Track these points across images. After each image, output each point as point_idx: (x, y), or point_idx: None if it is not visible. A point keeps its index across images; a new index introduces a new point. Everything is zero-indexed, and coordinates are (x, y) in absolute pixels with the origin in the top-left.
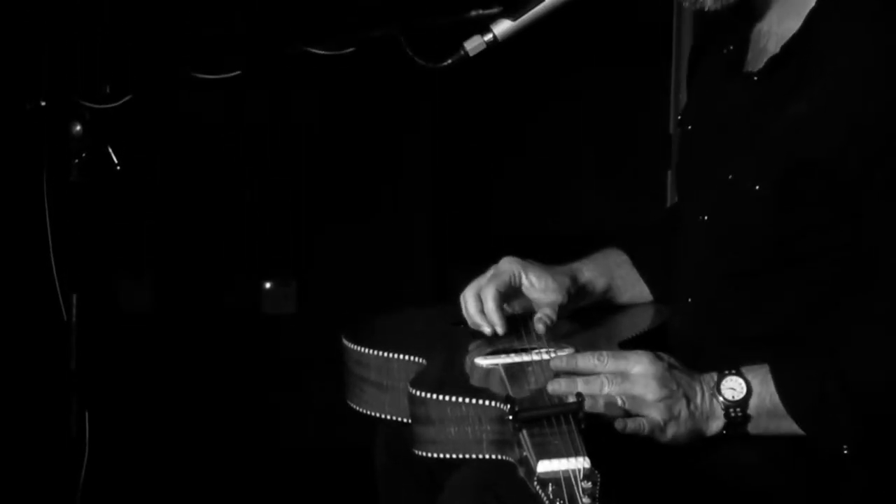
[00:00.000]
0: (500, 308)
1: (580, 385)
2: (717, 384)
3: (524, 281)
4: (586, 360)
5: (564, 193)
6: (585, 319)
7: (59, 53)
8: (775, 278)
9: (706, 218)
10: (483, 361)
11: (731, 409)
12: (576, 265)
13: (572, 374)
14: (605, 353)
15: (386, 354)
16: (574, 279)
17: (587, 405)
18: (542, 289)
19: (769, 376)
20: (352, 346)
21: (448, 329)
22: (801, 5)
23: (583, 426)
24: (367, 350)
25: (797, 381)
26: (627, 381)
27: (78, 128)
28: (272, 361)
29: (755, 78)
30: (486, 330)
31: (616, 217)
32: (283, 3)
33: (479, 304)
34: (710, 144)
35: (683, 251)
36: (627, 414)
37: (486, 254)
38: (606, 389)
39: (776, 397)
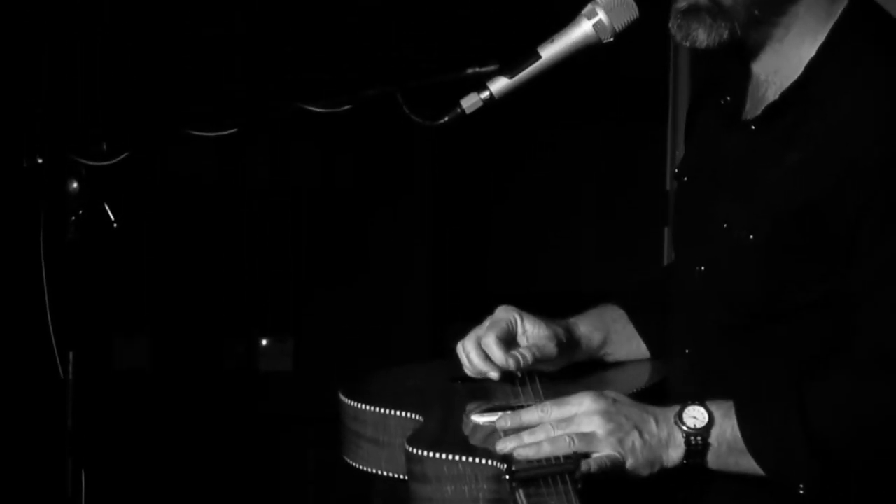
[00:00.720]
0: (505, 354)
1: (525, 437)
2: (680, 413)
3: (519, 328)
4: (530, 414)
5: (561, 250)
6: (583, 376)
7: (56, 111)
8: (770, 330)
9: (702, 269)
10: (480, 419)
11: (692, 437)
12: (572, 319)
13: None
14: (547, 402)
15: (383, 411)
16: (569, 332)
17: (532, 453)
18: (535, 337)
19: (732, 410)
20: (349, 401)
21: (445, 385)
22: (797, 55)
23: (580, 486)
24: (364, 406)
25: (758, 418)
26: (573, 422)
27: (75, 185)
28: (269, 419)
29: (752, 127)
30: (494, 376)
31: (613, 274)
32: (280, 61)
33: (480, 352)
34: (706, 195)
35: (679, 303)
36: (585, 456)
37: (483, 311)
38: (553, 434)
39: (737, 430)
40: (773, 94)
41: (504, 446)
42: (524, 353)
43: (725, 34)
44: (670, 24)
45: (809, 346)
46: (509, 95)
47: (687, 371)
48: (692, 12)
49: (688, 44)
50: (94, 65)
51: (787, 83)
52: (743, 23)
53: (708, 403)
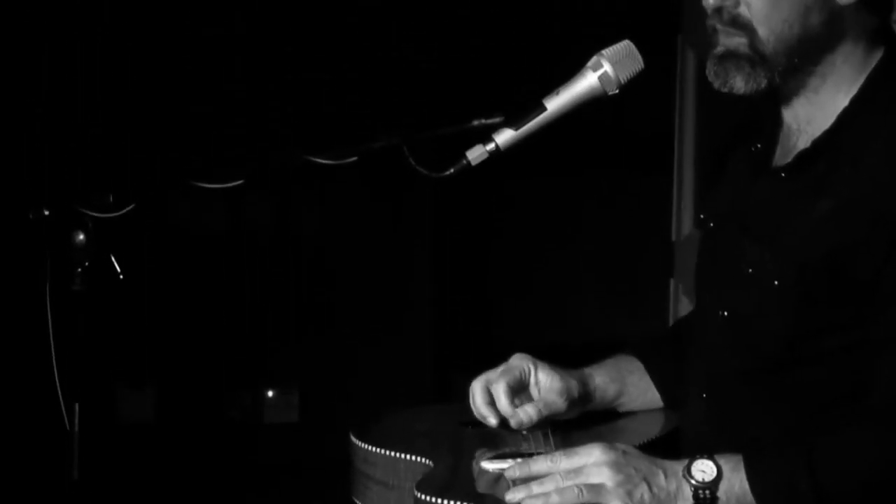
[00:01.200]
0: (511, 403)
1: (535, 488)
2: (688, 466)
3: (532, 378)
4: (540, 464)
5: (566, 301)
6: (594, 425)
7: (62, 164)
8: (791, 375)
9: (725, 314)
10: (489, 465)
11: (700, 491)
12: (587, 370)
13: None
14: (557, 453)
15: (393, 454)
16: (584, 384)
17: (540, 503)
18: (546, 389)
19: (741, 464)
20: (360, 443)
21: (455, 429)
22: (832, 105)
23: None
24: (374, 448)
25: (768, 472)
26: (582, 473)
27: (81, 237)
28: (275, 470)
29: (782, 174)
30: (492, 422)
31: (617, 324)
32: (285, 112)
33: (487, 395)
34: (733, 241)
35: (699, 348)
36: None
37: (485, 361)
38: (562, 485)
39: (746, 484)
40: (804, 142)
41: (514, 496)
42: (530, 412)
43: (764, 82)
44: (707, 70)
45: (830, 391)
46: (514, 147)
47: (703, 415)
48: (731, 58)
49: (725, 90)
50: (97, 116)
51: (818, 132)
52: (782, 72)
53: (717, 457)
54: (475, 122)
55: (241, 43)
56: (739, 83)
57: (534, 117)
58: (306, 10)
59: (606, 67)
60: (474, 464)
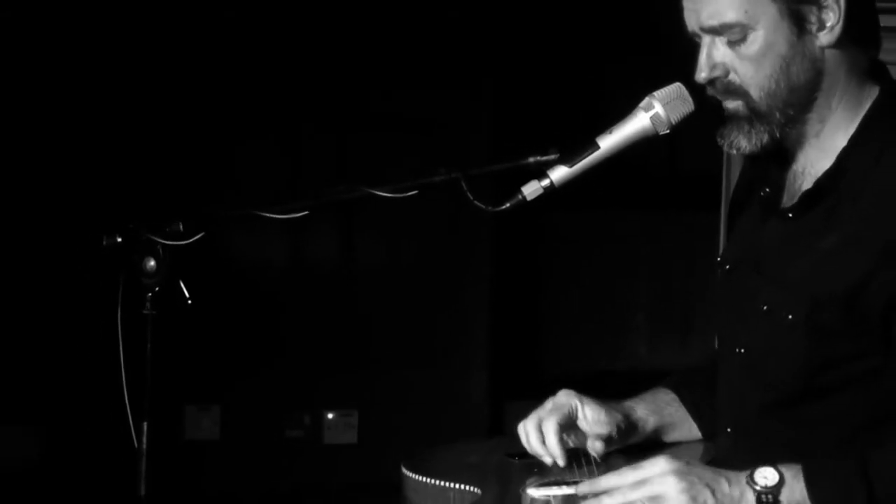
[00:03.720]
0: (561, 440)
1: (605, 501)
2: (751, 474)
3: (580, 413)
4: (608, 480)
5: (617, 333)
6: (637, 457)
7: (135, 193)
8: (809, 409)
9: (742, 351)
10: (536, 493)
11: (763, 496)
12: (628, 403)
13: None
14: (624, 468)
15: (443, 483)
16: (627, 416)
17: None
18: (594, 422)
19: (801, 473)
20: (410, 474)
21: (502, 460)
22: (834, 146)
23: None
24: (424, 479)
25: (826, 482)
26: (647, 484)
27: (152, 263)
28: (333, 489)
29: (790, 214)
30: (548, 461)
31: (668, 356)
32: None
33: (539, 435)
34: (746, 280)
35: (722, 384)
36: None
37: (538, 391)
38: (630, 497)
39: (805, 491)
40: (808, 183)
41: None
42: (598, 448)
43: (766, 138)
44: (717, 135)
45: (848, 422)
46: (568, 184)
47: (731, 449)
48: (732, 121)
49: (733, 151)
50: (170, 148)
51: (821, 172)
52: (780, 124)
53: (778, 465)
54: (531, 160)
55: (308, 81)
56: (743, 143)
57: (587, 155)
58: (374, 49)
59: (658, 108)
60: (521, 491)
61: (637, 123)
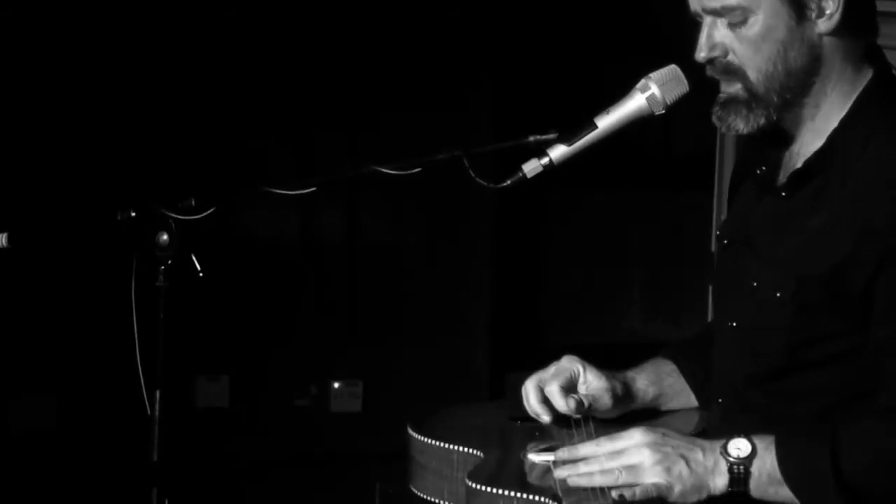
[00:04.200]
0: (565, 399)
1: (582, 468)
2: (725, 444)
3: (581, 378)
4: (586, 447)
5: (613, 307)
6: (633, 422)
7: (149, 169)
8: (795, 381)
9: (734, 324)
10: (536, 458)
11: (735, 466)
12: (629, 373)
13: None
14: (602, 437)
15: (447, 446)
16: (626, 386)
17: (584, 482)
18: (594, 388)
19: (773, 445)
20: (417, 436)
21: (505, 424)
22: (827, 128)
23: None
24: (430, 441)
25: (795, 454)
26: (623, 454)
27: (165, 237)
28: (339, 455)
29: (783, 193)
30: (546, 419)
31: (661, 329)
32: (355, 131)
33: (540, 394)
34: (740, 257)
35: (716, 356)
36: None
37: (536, 361)
38: (605, 466)
39: (776, 463)
40: (800, 163)
41: (560, 474)
42: (582, 399)
43: (762, 120)
44: (713, 116)
45: (833, 395)
46: (567, 162)
47: (719, 417)
48: (730, 103)
49: (729, 132)
50: (182, 125)
51: (812, 153)
52: (776, 107)
53: (752, 436)
54: (531, 138)
55: (315, 64)
56: (740, 124)
57: (585, 134)
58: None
59: (654, 89)
60: (522, 456)
61: (634, 104)
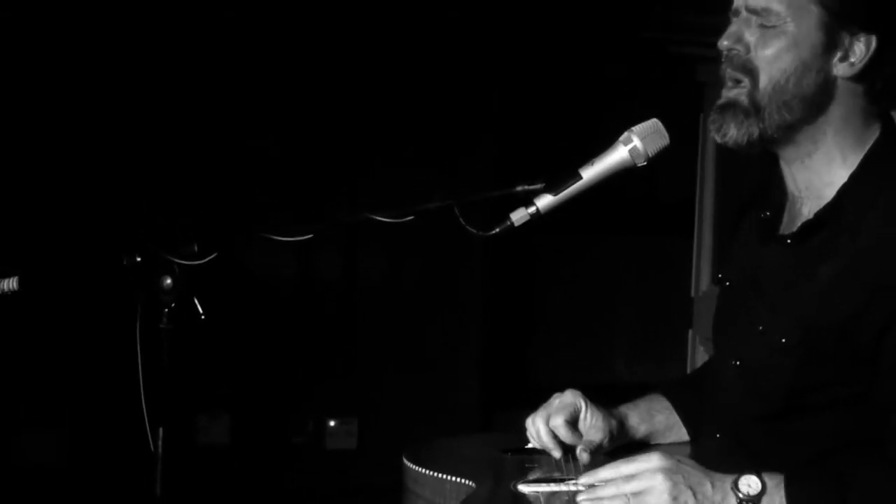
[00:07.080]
0: (572, 434)
1: (598, 492)
2: (736, 480)
3: (582, 414)
4: (606, 471)
5: (598, 349)
6: (621, 456)
7: (153, 217)
8: (796, 422)
9: (737, 363)
10: (526, 489)
11: (745, 502)
12: (623, 410)
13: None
14: (620, 461)
15: (440, 476)
16: (621, 423)
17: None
18: (590, 426)
19: (783, 483)
20: (411, 465)
21: (496, 456)
22: (827, 175)
23: None
24: (424, 470)
25: (805, 494)
26: (637, 479)
27: (168, 281)
28: (335, 492)
29: (788, 241)
30: (556, 454)
31: (644, 370)
32: (352, 179)
33: (549, 430)
34: (746, 300)
35: (716, 391)
36: None
37: (525, 401)
38: (623, 490)
39: (785, 501)
40: (807, 211)
41: (581, 498)
42: (583, 455)
43: (755, 133)
44: (709, 121)
45: (830, 440)
46: (553, 211)
47: (717, 452)
48: (728, 108)
49: (720, 139)
50: (186, 175)
51: (819, 202)
52: (773, 125)
53: (763, 474)
54: (519, 188)
55: (313, 114)
56: (732, 131)
57: (571, 184)
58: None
59: (636, 142)
60: (513, 487)
61: (617, 155)
